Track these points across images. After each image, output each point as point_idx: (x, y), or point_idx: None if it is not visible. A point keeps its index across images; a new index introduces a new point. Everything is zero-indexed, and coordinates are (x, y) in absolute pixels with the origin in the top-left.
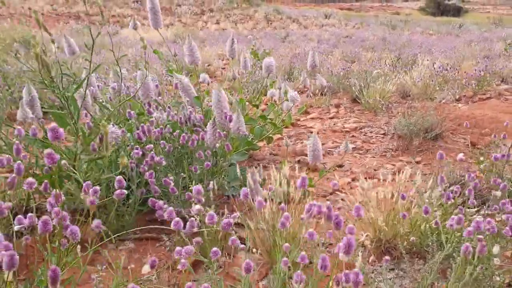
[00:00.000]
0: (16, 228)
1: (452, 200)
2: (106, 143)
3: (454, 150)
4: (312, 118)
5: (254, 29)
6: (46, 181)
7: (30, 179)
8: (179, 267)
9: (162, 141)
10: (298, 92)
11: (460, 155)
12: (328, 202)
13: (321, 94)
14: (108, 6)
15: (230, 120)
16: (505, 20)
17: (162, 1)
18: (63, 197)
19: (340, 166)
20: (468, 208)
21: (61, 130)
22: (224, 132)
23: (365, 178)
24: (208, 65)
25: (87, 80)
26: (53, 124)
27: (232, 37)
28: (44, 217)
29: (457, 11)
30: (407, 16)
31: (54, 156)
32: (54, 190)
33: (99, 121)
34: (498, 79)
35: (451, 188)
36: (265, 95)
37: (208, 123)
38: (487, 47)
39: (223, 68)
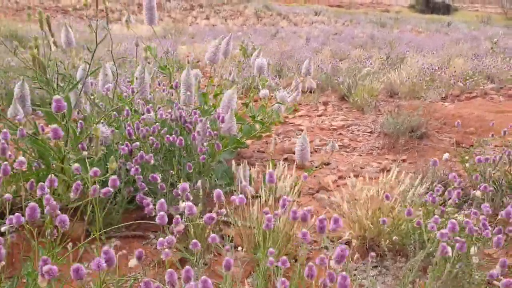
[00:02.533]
0: (3, 228)
1: (437, 200)
2: (96, 148)
3: (439, 149)
4: (301, 116)
5: (244, 25)
6: (32, 179)
7: (22, 158)
8: (162, 256)
9: (151, 137)
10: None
11: (445, 155)
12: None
13: (310, 92)
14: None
15: (223, 121)
16: (494, 18)
17: None
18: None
19: (327, 164)
20: (450, 207)
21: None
22: (215, 132)
23: (352, 176)
24: (198, 61)
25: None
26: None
27: (228, 38)
28: (32, 203)
29: (446, 9)
30: (397, 13)
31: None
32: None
33: (91, 122)
34: (485, 78)
35: (433, 186)
36: (256, 92)
37: (199, 122)
38: (475, 45)
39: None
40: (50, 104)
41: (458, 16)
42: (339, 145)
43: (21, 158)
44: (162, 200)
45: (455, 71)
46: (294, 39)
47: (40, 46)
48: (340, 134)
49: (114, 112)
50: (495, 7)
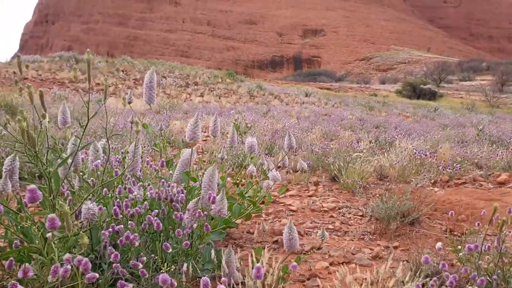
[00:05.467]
0: None
1: None
2: (67, 224)
3: (431, 236)
4: (291, 195)
5: (237, 103)
6: (11, 258)
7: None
8: None
9: (130, 222)
10: (278, 168)
11: (438, 245)
12: None
13: (301, 171)
14: (93, 74)
15: (213, 202)
16: (478, 106)
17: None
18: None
19: (318, 248)
20: None
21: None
22: (205, 213)
23: (343, 262)
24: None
25: (74, 157)
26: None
27: (215, 116)
28: None
29: (432, 95)
30: (384, 98)
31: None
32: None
33: (80, 197)
34: (472, 164)
35: (428, 280)
36: (246, 169)
37: (191, 202)
38: (461, 132)
39: (204, 140)
40: (39, 177)
41: (444, 102)
42: (330, 228)
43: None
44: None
45: (443, 159)
46: (285, 118)
47: (30, 118)
48: (332, 216)
49: (105, 189)
50: (479, 95)
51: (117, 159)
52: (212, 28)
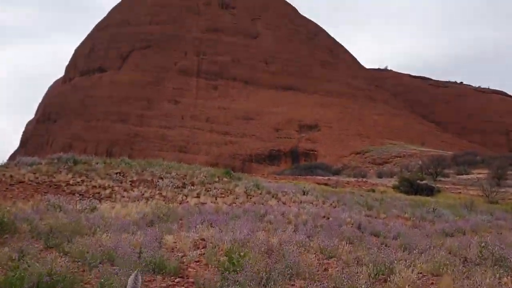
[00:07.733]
0: None
1: None
2: None
3: None
4: None
5: (233, 204)
6: None
7: None
8: None
9: None
10: None
11: None
12: None
13: None
14: (90, 176)
15: None
16: (476, 202)
17: (145, 174)
18: None
19: None
20: None
21: None
22: None
23: None
24: (183, 256)
25: None
26: None
27: None
28: None
29: (430, 190)
30: (382, 194)
31: None
32: None
33: None
34: None
35: None
36: None
37: None
38: (462, 245)
39: (197, 261)
40: None
41: (442, 198)
42: None
43: None
44: None
45: None
46: (282, 224)
47: None
48: None
49: None
50: (477, 189)
51: None
52: (210, 124)
